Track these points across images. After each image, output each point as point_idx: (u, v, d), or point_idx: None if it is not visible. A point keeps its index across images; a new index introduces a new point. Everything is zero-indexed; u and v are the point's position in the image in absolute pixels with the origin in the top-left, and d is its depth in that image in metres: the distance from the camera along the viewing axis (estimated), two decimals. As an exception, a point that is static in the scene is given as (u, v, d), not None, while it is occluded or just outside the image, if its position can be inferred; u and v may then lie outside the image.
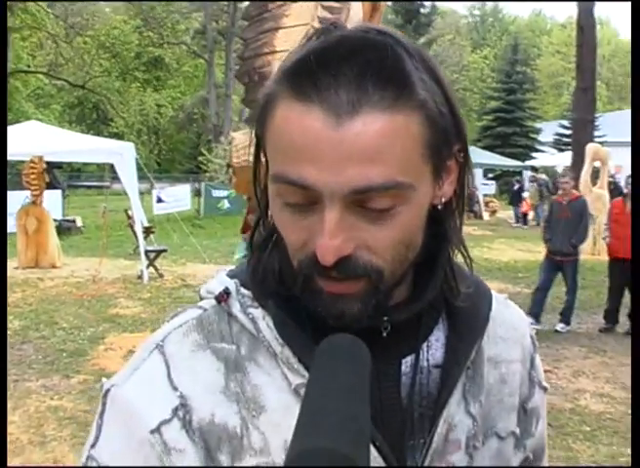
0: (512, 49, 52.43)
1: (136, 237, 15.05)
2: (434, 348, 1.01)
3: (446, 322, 1.03)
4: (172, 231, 19.12)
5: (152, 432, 0.89)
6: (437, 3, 47.55)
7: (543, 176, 29.83)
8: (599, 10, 28.76)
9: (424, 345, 1.00)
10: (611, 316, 10.65)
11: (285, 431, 0.89)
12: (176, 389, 0.91)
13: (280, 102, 0.84)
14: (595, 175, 18.25)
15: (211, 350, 0.95)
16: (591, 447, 6.23)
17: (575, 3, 24.79)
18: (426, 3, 42.47)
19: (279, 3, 4.59)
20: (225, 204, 27.53)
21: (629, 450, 6.10)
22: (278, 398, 0.92)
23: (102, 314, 10.93)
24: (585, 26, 24.20)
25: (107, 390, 0.94)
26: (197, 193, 28.12)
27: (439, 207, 0.93)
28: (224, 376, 0.93)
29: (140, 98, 52.03)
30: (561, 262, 10.18)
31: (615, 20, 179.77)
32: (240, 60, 4.80)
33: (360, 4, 4.45)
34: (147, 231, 15.60)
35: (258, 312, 0.96)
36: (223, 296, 0.98)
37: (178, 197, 19.50)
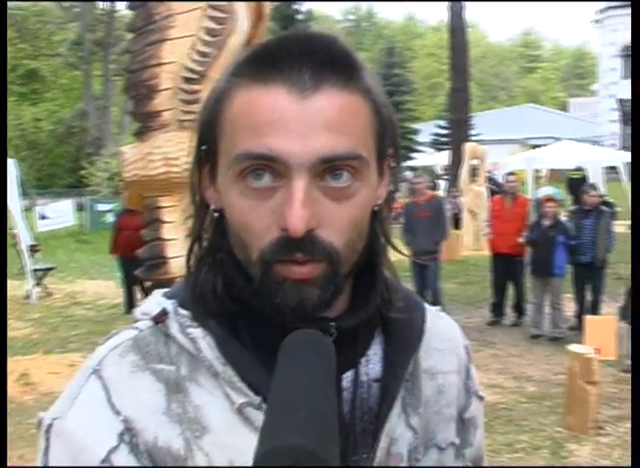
0: (388, 52, 53.29)
1: (21, 256, 14.61)
2: (373, 362, 1.01)
3: (382, 335, 1.04)
4: (57, 248, 18.65)
5: (102, 462, 0.87)
6: (313, 8, 47.82)
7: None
8: (468, 13, 29.79)
9: (363, 360, 1.00)
10: (497, 309, 11.01)
11: (229, 451, 0.90)
12: (118, 413, 0.89)
13: (237, 91, 0.89)
14: (473, 172, 18.77)
15: (150, 371, 0.93)
16: (488, 436, 6.41)
17: (445, 6, 25.48)
18: (302, 9, 42.75)
19: (164, 14, 4.58)
20: (110, 217, 26.95)
21: (524, 437, 6.36)
22: (221, 418, 0.91)
23: (-9, 337, 10.55)
24: (456, 29, 24.88)
25: (49, 425, 0.91)
26: (80, 208, 27.46)
27: (375, 208, 0.97)
28: (166, 397, 0.91)
29: (16, 113, 50.40)
30: (425, 261, 10.32)
31: (483, 23, 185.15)
32: (127, 73, 4.77)
33: (245, 14, 4.50)
34: (33, 249, 15.13)
35: (197, 332, 0.94)
36: (161, 317, 0.97)
37: (61, 213, 19.08)
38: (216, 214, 0.97)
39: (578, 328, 9.94)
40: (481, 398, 1.18)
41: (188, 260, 1.00)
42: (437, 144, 44.67)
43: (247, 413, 0.90)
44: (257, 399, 0.90)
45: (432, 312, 1.13)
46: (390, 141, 0.96)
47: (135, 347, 0.95)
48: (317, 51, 0.88)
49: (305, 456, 0.65)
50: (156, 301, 1.00)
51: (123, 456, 0.88)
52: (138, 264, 10.21)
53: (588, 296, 10.23)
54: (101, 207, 27.25)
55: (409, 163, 39.63)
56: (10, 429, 6.64)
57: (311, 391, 0.73)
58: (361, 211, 0.91)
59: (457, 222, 19.51)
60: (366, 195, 0.91)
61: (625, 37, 51.63)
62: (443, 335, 1.13)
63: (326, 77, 0.87)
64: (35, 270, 14.13)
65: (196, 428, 0.90)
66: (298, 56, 0.87)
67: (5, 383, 5.81)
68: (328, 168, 0.86)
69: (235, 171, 0.88)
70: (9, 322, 11.48)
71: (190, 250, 1.00)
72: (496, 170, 26.12)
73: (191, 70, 4.38)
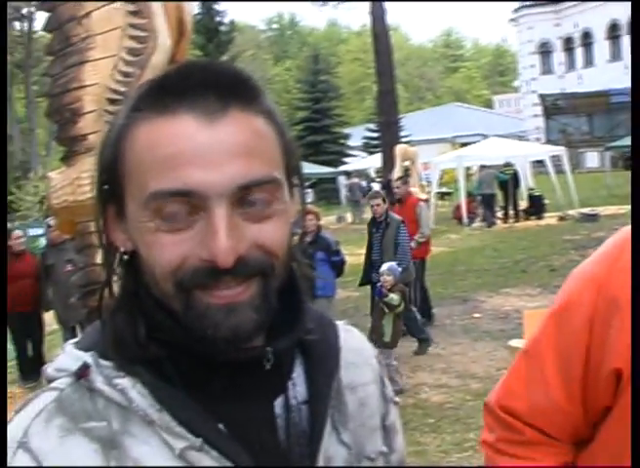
0: (313, 59, 53.65)
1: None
2: (298, 385, 1.01)
3: (301, 356, 1.03)
4: (-12, 277, 18.23)
5: None
6: (235, 19, 47.74)
7: (356, 180, 30.69)
8: (389, 17, 30.09)
9: (290, 383, 1.00)
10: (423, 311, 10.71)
11: None
12: None
13: (140, 126, 0.86)
14: (406, 174, 18.89)
15: (80, 432, 0.87)
16: (437, 437, 6.46)
17: (367, 12, 25.70)
18: (225, 21, 42.70)
19: (83, 36, 4.50)
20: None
21: (472, 435, 6.40)
22: (163, 466, 0.88)
23: None
24: (379, 33, 25.17)
25: None
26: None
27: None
28: (102, 457, 0.86)
29: (-64, 141, 49.27)
30: None
31: (404, 26, 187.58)
32: (49, 98, 4.67)
33: (167, 31, 4.44)
34: (-38, 279, 14.75)
35: (125, 382, 0.90)
36: (84, 372, 0.91)
37: (-10, 240, 18.56)
38: (125, 257, 0.94)
39: None
40: (396, 403, 1.19)
41: (100, 308, 0.96)
42: (369, 148, 45.02)
43: (189, 457, 0.87)
44: (197, 441, 0.87)
45: (341, 327, 1.13)
46: (294, 160, 0.96)
47: (59, 409, 0.89)
48: (219, 75, 0.87)
49: None
50: (73, 355, 0.94)
51: None
52: (33, 319, 9.64)
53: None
54: (33, 231, 26.72)
55: (343, 168, 39.86)
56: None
57: None
58: (284, 229, 0.91)
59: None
60: (286, 213, 0.91)
61: (541, 34, 52.89)
62: (355, 349, 1.13)
63: (231, 101, 0.86)
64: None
65: None
66: (200, 82, 0.86)
67: (5, 383, 5.64)
68: (245, 194, 0.85)
69: (150, 209, 0.85)
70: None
71: (101, 296, 0.96)
72: (427, 170, 26.45)
73: (115, 91, 4.30)
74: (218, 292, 0.86)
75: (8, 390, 9.03)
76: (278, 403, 0.97)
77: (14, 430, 0.89)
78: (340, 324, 1.15)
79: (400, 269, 8.54)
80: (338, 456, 1.01)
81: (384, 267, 8.50)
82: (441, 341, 9.77)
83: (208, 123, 0.84)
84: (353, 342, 1.14)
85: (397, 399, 1.19)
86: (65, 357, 0.95)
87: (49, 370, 0.95)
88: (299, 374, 1.02)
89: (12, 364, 9.67)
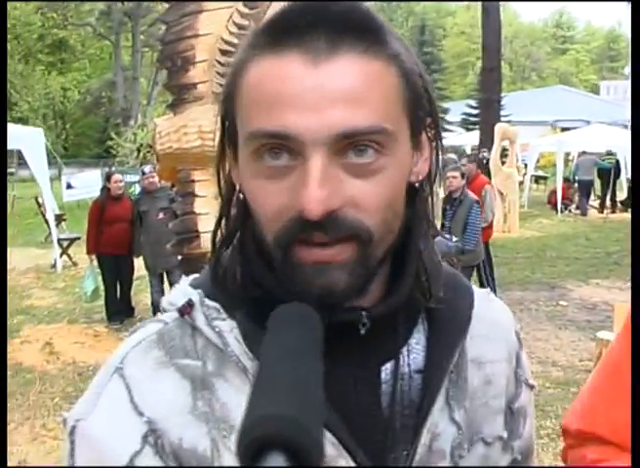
0: (419, 30, 53.18)
1: (47, 225, 14.66)
2: (415, 352, 0.95)
3: (426, 323, 0.97)
4: (83, 218, 18.72)
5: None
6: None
7: (451, 155, 30.36)
8: (501, -8, 29.69)
9: (404, 349, 0.94)
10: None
11: None
12: (141, 414, 0.85)
13: (252, 63, 0.82)
14: (503, 153, 18.60)
15: (175, 367, 0.88)
16: (513, 421, 6.37)
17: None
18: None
19: (201, -14, 4.51)
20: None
21: (549, 423, 6.30)
22: None
23: (16, 306, 10.56)
24: (489, 8, 24.65)
25: (73, 426, 0.87)
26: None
27: (416, 185, 0.90)
28: (191, 395, 0.87)
29: (44, 82, 50.55)
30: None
31: (515, 3, 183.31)
32: (162, 44, 4.71)
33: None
34: (58, 219, 15.18)
35: (225, 324, 0.88)
36: (187, 309, 0.91)
37: (88, 183, 19.03)
38: (241, 196, 0.90)
39: None
40: (532, 387, 1.10)
41: (214, 245, 0.94)
42: (467, 124, 44.44)
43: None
44: None
45: (481, 295, 1.04)
46: (426, 111, 0.88)
47: (159, 342, 0.90)
48: (335, 14, 0.80)
49: (286, 423, 0.62)
50: (182, 291, 0.94)
51: (147, 460, 0.84)
52: (125, 263, 9.75)
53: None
54: (128, 178, 27.21)
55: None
56: (33, 398, 6.70)
57: (293, 360, 0.69)
58: (391, 188, 0.83)
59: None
60: (395, 171, 0.83)
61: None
62: (492, 321, 1.04)
63: (344, 41, 0.79)
64: (60, 240, 14.14)
65: (224, 427, 0.86)
66: (312, 20, 0.79)
67: (5, 381, 5.83)
68: (349, 143, 0.79)
69: (250, 149, 0.82)
70: (34, 290, 11.67)
71: (215, 233, 0.94)
72: (525, 151, 25.96)
73: (228, 43, 4.30)
74: (311, 248, 0.81)
75: (95, 329, 9.34)
76: (386, 368, 0.92)
77: (115, 354, 0.91)
78: (481, 292, 1.07)
79: (452, 245, 8.21)
80: (446, 435, 0.94)
81: (436, 239, 8.23)
82: (525, 326, 9.62)
83: (314, 64, 0.78)
84: (491, 314, 1.05)
85: (533, 382, 1.10)
86: (177, 292, 0.95)
87: (163, 301, 0.96)
88: (418, 341, 0.96)
89: (100, 304, 9.95)
